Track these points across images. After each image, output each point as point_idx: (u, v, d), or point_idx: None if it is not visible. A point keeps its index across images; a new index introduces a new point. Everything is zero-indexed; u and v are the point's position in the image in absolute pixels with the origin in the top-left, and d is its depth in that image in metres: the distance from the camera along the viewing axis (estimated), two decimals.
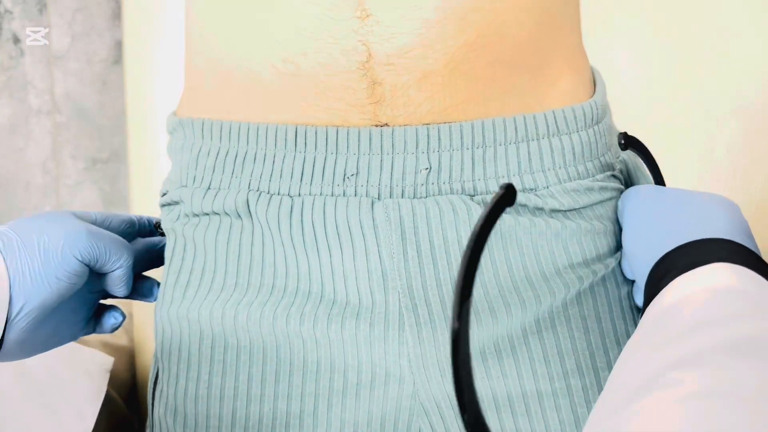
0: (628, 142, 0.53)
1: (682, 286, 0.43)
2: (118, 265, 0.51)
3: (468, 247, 0.36)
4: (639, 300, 0.50)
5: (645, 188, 0.52)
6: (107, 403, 0.71)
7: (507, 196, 0.39)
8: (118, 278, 0.52)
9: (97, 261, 0.50)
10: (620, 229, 0.53)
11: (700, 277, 0.43)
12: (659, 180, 0.56)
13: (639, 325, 0.43)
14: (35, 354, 0.52)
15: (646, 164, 0.55)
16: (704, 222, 0.47)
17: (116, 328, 0.57)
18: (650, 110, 0.83)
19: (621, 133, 0.54)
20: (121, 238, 0.53)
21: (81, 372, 0.71)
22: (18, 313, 0.48)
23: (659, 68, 0.82)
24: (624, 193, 0.53)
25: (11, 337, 0.48)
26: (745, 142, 0.81)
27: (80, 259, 0.49)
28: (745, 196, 0.80)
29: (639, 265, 0.49)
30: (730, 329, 0.38)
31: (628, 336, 0.51)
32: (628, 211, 0.51)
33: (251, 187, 0.50)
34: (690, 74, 0.81)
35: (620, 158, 0.56)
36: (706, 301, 0.40)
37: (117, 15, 0.99)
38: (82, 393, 0.68)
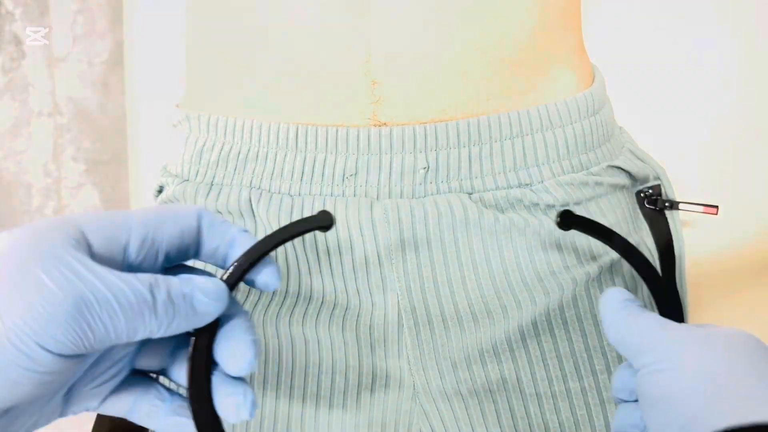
0: (566, 220, 0.41)
1: None
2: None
3: (266, 239, 0.39)
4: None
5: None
6: None
7: (321, 220, 0.41)
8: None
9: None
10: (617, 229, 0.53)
11: None
12: (637, 260, 0.42)
13: None
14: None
15: (611, 247, 0.42)
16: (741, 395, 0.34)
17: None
18: (649, 110, 0.83)
19: (560, 212, 0.42)
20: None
21: None
22: None
23: (658, 67, 0.82)
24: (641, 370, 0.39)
25: None
26: (745, 142, 0.80)
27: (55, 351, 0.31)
28: (745, 196, 0.80)
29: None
30: None
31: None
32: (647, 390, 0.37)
33: (253, 185, 0.50)
34: (690, 73, 0.81)
35: (625, 147, 0.55)
36: None
37: (118, 17, 0.99)
38: None
